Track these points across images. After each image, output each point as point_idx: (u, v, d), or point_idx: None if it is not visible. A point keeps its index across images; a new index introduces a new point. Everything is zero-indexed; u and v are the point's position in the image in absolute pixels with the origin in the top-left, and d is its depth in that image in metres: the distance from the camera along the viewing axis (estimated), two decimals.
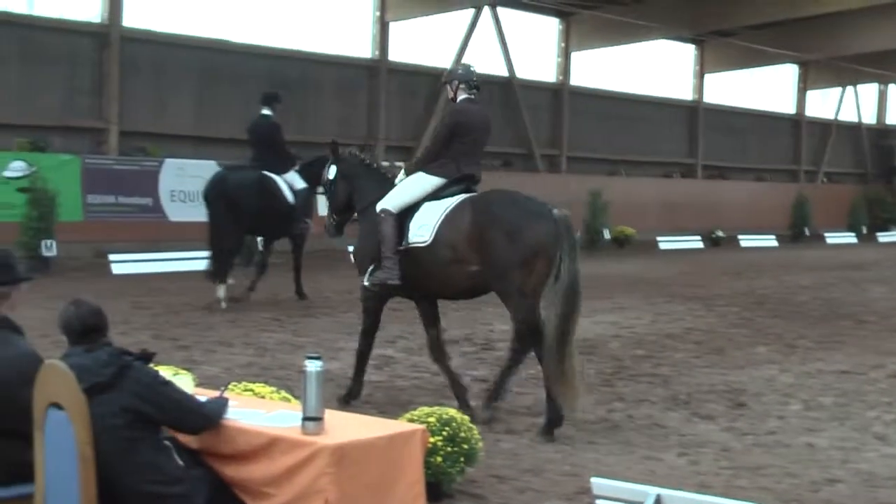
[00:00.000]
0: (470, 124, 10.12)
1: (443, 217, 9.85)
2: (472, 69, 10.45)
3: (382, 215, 10.08)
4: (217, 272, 17.33)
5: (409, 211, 10.09)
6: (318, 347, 13.32)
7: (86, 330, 5.68)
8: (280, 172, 17.74)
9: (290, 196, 17.65)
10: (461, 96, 10.27)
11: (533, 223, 9.42)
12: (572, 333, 9.24)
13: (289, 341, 14.14)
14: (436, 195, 10.06)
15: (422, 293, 10.36)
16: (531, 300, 9.48)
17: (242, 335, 14.57)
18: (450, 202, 9.94)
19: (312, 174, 17.06)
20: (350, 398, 10.19)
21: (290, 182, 17.80)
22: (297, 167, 18.09)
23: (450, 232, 9.77)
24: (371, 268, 10.21)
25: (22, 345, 5.97)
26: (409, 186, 10.19)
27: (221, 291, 17.15)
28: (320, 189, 15.80)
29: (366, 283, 10.27)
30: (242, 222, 17.26)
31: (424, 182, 10.12)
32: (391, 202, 10.14)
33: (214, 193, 17.44)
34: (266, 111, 18.21)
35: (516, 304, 9.60)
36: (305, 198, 17.92)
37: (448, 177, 10.06)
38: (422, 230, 9.93)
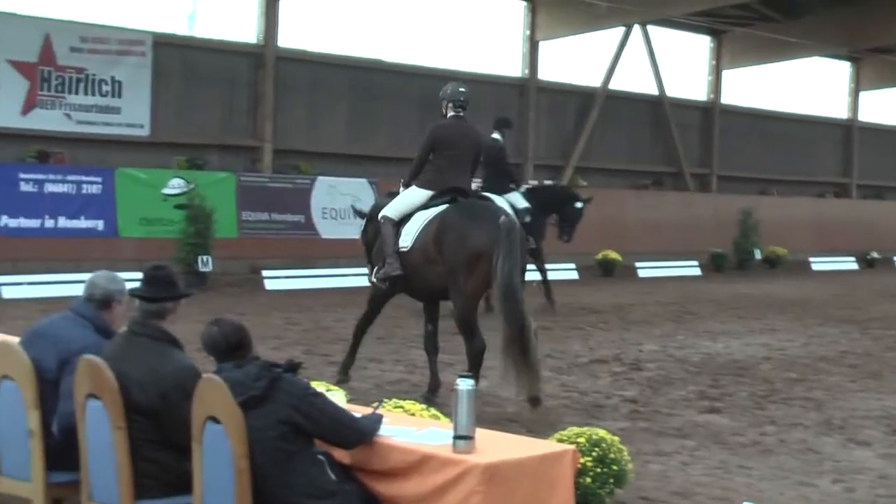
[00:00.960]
0: (450, 139, 11.11)
1: (423, 225, 10.97)
2: (460, 89, 11.44)
3: (382, 221, 11.32)
4: None
5: (404, 219, 11.26)
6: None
7: (231, 347, 5.79)
8: (501, 193, 18.19)
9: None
10: (449, 114, 11.33)
11: (477, 228, 10.49)
12: (527, 328, 10.12)
13: (438, 359, 14.16)
14: (425, 206, 11.13)
15: (416, 293, 11.56)
16: (470, 301, 10.65)
17: (392, 352, 14.65)
18: (432, 212, 11.00)
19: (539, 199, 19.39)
20: (343, 372, 11.70)
21: (511, 202, 18.22)
22: (520, 189, 19.44)
23: (423, 237, 10.92)
24: (376, 268, 11.33)
25: (182, 358, 6.09)
26: (404, 198, 11.39)
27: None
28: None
29: (374, 280, 11.44)
30: None
31: (415, 194, 11.28)
32: (391, 210, 11.36)
33: None
34: (496, 135, 19.19)
35: (457, 303, 10.69)
36: (527, 216, 18.23)
37: (435, 189, 11.15)
38: (406, 237, 11.07)
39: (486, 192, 17.73)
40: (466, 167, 11.29)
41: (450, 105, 11.33)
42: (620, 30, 34.38)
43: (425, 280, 11.04)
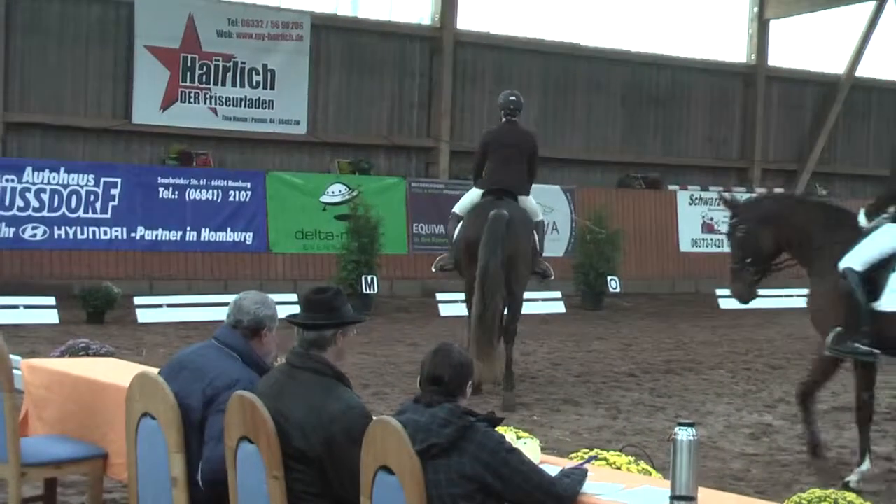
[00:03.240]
0: (497, 141, 14.72)
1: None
2: (510, 98, 14.95)
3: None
4: None
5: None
6: (681, 410, 13.27)
7: (431, 380, 5.79)
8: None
9: None
10: (503, 120, 14.95)
11: (471, 223, 14.21)
12: (494, 317, 13.46)
13: (646, 401, 14.12)
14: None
15: None
16: (467, 285, 14.17)
17: (591, 393, 14.69)
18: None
19: None
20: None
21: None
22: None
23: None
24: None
25: (351, 398, 6.09)
26: (466, 197, 15.50)
27: None
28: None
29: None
30: None
31: (472, 193, 14.93)
32: (457, 207, 15.27)
33: None
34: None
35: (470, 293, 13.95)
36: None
37: (484, 187, 14.64)
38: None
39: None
40: (517, 166, 14.64)
41: (502, 112, 15.00)
42: (870, 5, 33.65)
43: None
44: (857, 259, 10.46)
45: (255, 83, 25.01)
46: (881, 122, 34.87)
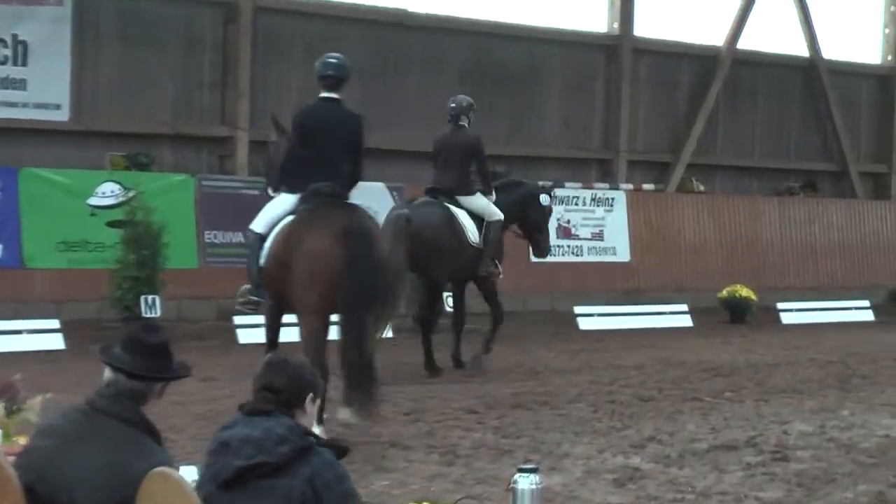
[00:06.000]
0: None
1: None
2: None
3: None
4: None
5: None
6: (532, 453, 13.36)
7: (265, 388, 5.89)
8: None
9: None
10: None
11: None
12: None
13: (490, 443, 14.10)
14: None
15: None
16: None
17: (423, 434, 14.66)
18: None
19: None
20: None
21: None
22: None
23: None
24: None
25: (162, 457, 6.13)
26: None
27: None
28: None
29: None
30: None
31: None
32: None
33: None
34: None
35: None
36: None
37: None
38: None
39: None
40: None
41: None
42: None
43: None
44: (259, 222, 14.40)
45: (1, 58, 24.69)
46: (770, 104, 35.51)
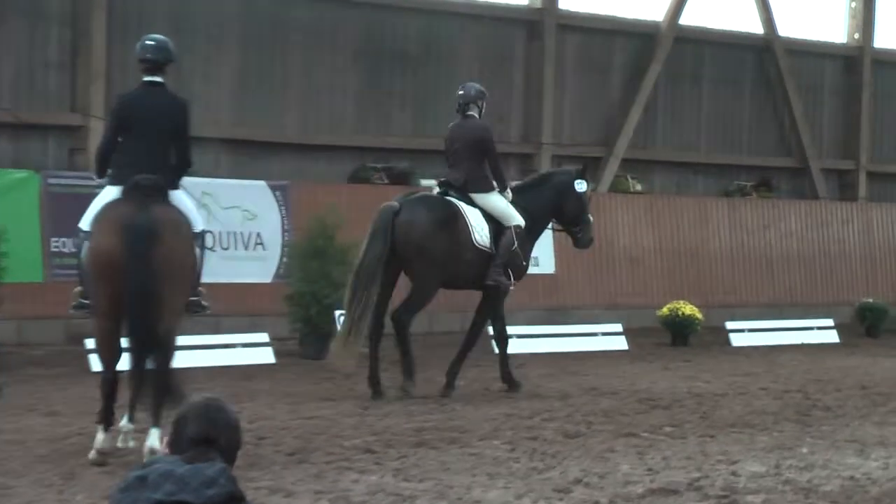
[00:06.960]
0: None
1: None
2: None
3: None
4: None
5: None
6: (438, 500, 13.31)
7: (204, 440, 6.28)
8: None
9: None
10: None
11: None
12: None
13: (388, 488, 14.12)
14: None
15: None
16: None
17: (310, 478, 14.60)
18: None
19: None
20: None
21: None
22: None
23: None
24: None
25: None
26: None
27: None
28: None
29: None
30: None
31: None
32: None
33: None
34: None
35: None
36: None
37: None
38: None
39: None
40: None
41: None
42: None
43: None
44: (86, 219, 15.23)
45: None
46: (718, 90, 35.68)
